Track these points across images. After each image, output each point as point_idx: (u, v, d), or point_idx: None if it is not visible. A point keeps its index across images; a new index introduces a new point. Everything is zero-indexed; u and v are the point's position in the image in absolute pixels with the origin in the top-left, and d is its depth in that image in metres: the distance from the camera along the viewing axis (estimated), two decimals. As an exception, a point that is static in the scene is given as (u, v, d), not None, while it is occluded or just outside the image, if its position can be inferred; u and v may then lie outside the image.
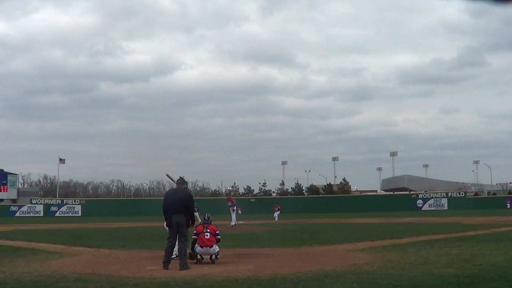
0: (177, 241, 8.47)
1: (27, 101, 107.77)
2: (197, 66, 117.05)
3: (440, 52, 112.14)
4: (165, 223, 8.96)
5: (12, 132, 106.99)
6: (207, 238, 9.10)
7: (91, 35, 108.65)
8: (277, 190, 73.35)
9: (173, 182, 9.45)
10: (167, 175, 10.27)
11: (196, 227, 9.39)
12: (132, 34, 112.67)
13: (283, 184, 75.02)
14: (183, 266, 8.11)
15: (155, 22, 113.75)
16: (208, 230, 9.26)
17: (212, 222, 9.64)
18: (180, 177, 9.14)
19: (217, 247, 9.20)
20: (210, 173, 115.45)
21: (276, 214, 31.53)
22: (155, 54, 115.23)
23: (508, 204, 48.92)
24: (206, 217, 9.65)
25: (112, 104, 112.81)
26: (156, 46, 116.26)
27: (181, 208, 8.48)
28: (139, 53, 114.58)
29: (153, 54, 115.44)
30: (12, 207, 50.32)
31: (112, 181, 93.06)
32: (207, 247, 9.05)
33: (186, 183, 9.30)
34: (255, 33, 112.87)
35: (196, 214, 22.83)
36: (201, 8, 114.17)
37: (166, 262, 8.26)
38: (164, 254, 8.41)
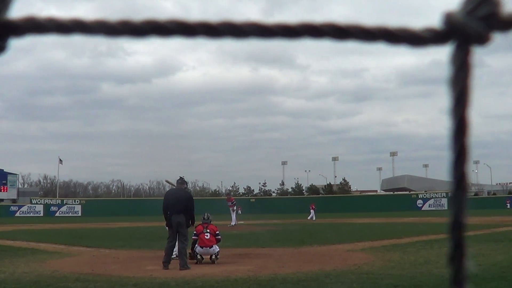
0: (177, 241, 8.49)
1: (29, 102, 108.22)
2: (198, 67, 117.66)
3: (439, 53, 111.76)
4: (166, 223, 8.98)
5: (14, 133, 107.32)
6: (207, 238, 9.12)
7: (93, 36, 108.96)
8: (277, 190, 73.40)
9: (173, 186, 9.56)
10: (167, 181, 10.49)
11: (196, 227, 9.43)
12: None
13: (283, 184, 75.10)
14: (183, 266, 8.12)
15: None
16: (208, 231, 9.28)
17: (211, 222, 9.68)
18: (180, 177, 9.16)
19: (217, 247, 9.21)
20: (210, 173, 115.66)
21: (312, 212, 31.84)
22: (157, 55, 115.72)
23: (508, 204, 48.93)
24: (206, 216, 9.66)
25: (113, 104, 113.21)
26: (158, 48, 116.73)
27: (181, 208, 8.49)
28: (141, 54, 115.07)
29: (154, 55, 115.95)
30: (12, 207, 50.30)
31: (112, 181, 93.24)
32: (207, 247, 9.07)
33: (186, 183, 9.34)
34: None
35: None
36: (202, 10, 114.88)
37: (166, 262, 8.27)
38: (164, 254, 8.43)
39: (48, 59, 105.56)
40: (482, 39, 0.37)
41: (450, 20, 0.38)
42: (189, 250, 8.96)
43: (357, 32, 0.37)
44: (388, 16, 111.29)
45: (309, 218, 30.84)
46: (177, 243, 8.49)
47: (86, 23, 0.38)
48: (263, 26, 0.37)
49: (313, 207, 32.64)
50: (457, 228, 0.37)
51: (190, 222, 8.63)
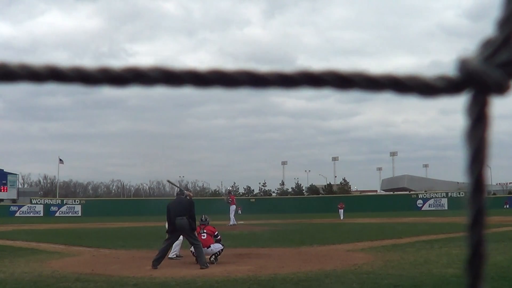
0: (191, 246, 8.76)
1: (31, 103, 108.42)
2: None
3: (439, 55, 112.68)
4: (167, 229, 9.08)
5: (15, 133, 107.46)
6: (203, 239, 9.17)
7: (95, 37, 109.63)
8: (277, 190, 73.37)
9: (175, 187, 9.89)
10: (168, 181, 10.92)
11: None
12: (136, 36, 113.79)
13: (283, 184, 75.07)
14: (203, 265, 8.27)
15: (158, 25, 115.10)
16: (205, 231, 9.33)
17: (209, 223, 9.74)
18: (180, 189, 9.65)
19: (220, 246, 9.24)
20: (210, 173, 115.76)
21: (341, 212, 32.28)
22: (158, 56, 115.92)
23: (507, 205, 48.80)
24: (203, 218, 9.74)
25: (114, 105, 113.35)
26: (159, 49, 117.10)
27: (183, 211, 8.66)
28: (142, 55, 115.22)
29: (156, 56, 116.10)
30: (12, 207, 50.29)
31: (112, 181, 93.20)
32: (204, 247, 9.09)
33: (184, 194, 9.54)
34: (257, 36, 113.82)
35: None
36: (204, 12, 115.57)
37: (156, 261, 8.34)
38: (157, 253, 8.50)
39: (50, 60, 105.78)
40: (501, 89, 0.34)
41: (465, 67, 0.34)
42: (178, 252, 9.11)
43: (362, 81, 0.35)
44: (388, 18, 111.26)
45: (342, 218, 31.37)
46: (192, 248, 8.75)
47: (62, 70, 0.35)
48: (256, 75, 0.34)
49: (343, 206, 33.09)
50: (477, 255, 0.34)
51: (193, 224, 8.76)
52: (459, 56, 0.35)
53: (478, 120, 0.35)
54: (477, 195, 0.34)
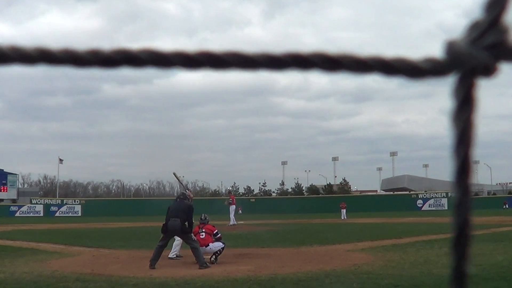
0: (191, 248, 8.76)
1: (31, 103, 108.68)
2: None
3: (439, 54, 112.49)
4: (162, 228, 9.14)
5: (15, 133, 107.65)
6: (202, 238, 9.19)
7: (96, 37, 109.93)
8: (277, 190, 73.38)
9: (179, 182, 9.94)
10: (174, 174, 10.94)
11: (193, 228, 9.56)
12: (136, 37, 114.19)
13: (283, 184, 75.07)
14: (202, 265, 8.27)
15: (159, 25, 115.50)
16: (204, 230, 9.35)
17: (209, 222, 9.76)
18: (182, 193, 9.69)
19: (220, 244, 9.26)
20: (210, 173, 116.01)
21: (343, 212, 32.48)
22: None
23: (506, 205, 48.75)
24: (203, 217, 9.76)
25: (115, 105, 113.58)
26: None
27: (179, 213, 8.67)
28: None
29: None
30: (12, 207, 50.30)
31: (112, 181, 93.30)
32: (202, 246, 9.11)
33: (187, 198, 9.60)
34: (257, 36, 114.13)
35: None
36: (204, 12, 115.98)
37: (153, 260, 8.38)
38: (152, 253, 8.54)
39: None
40: (488, 71, 0.34)
41: (452, 49, 0.35)
42: (176, 252, 9.23)
43: (350, 63, 0.35)
44: (387, 18, 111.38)
45: (343, 217, 31.53)
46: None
47: (52, 52, 0.35)
48: (245, 56, 0.35)
49: (345, 206, 33.26)
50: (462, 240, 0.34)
51: (187, 226, 8.75)
52: (446, 38, 0.35)
53: (465, 102, 0.35)
54: (463, 177, 0.34)
